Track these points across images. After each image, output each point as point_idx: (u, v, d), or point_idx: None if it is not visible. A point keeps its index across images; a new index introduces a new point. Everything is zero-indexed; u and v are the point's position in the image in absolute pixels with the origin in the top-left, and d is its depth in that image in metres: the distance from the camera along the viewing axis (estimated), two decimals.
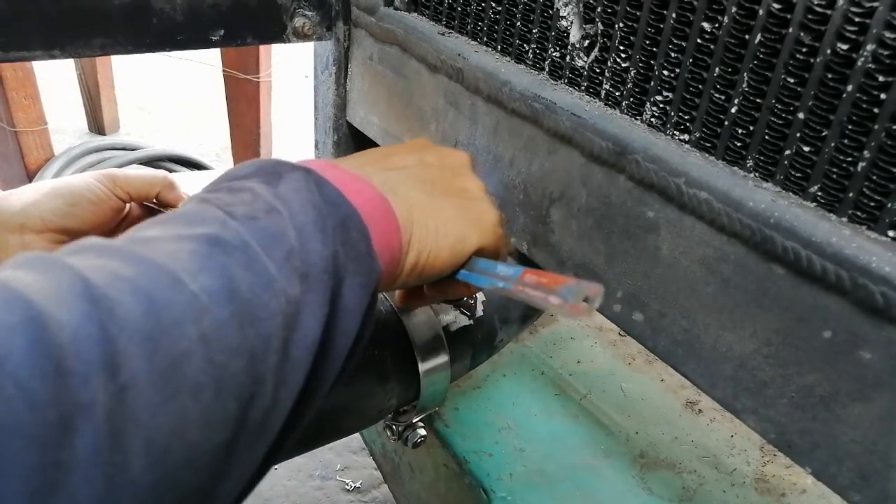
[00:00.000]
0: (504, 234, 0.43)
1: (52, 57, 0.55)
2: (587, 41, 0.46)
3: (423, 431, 0.55)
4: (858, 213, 0.34)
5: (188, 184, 0.64)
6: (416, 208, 0.38)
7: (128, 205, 0.58)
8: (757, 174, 0.38)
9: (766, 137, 0.37)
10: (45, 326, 0.21)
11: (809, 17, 0.33)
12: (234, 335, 0.26)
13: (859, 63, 0.32)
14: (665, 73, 0.41)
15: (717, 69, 0.38)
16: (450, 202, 0.40)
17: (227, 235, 0.28)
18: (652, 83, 0.42)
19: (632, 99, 0.44)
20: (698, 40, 0.39)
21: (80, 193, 0.54)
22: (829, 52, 0.33)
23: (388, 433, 0.56)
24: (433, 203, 0.39)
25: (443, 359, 0.50)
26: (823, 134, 0.34)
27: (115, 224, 0.59)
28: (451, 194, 0.41)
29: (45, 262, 0.24)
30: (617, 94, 0.45)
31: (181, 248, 0.27)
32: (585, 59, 0.47)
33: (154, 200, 0.59)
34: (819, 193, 0.35)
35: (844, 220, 0.34)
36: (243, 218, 0.29)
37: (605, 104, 0.46)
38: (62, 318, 0.21)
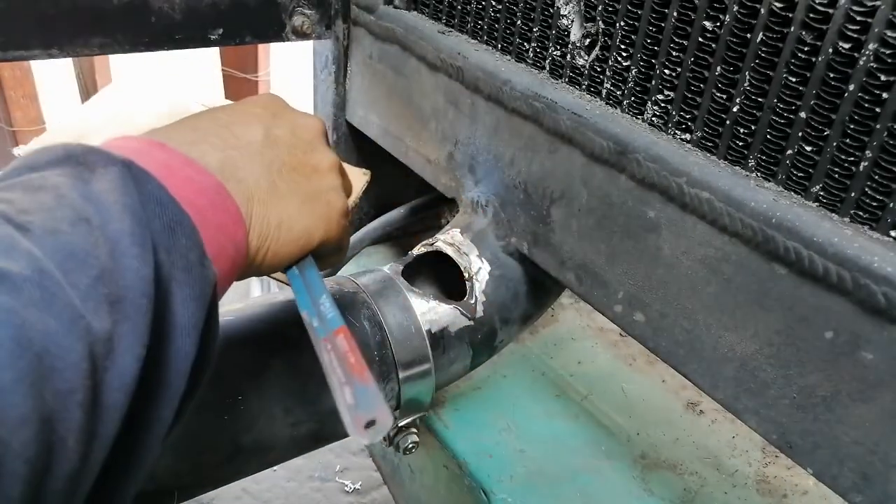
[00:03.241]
0: (347, 225, 0.40)
1: (51, 56, 0.55)
2: (588, 40, 0.46)
3: (415, 437, 0.55)
4: (860, 213, 0.34)
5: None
6: (257, 199, 0.34)
7: None
8: (759, 174, 0.38)
9: (768, 137, 0.37)
10: None
11: (811, 15, 0.33)
12: (22, 402, 0.21)
13: (861, 62, 0.32)
14: (666, 72, 0.41)
15: (718, 68, 0.38)
16: (296, 192, 0.36)
17: (15, 267, 0.23)
18: (653, 82, 0.42)
19: (633, 98, 0.44)
20: (700, 39, 0.39)
21: None
22: (830, 51, 0.33)
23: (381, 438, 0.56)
24: (277, 193, 0.35)
25: (422, 367, 0.50)
26: (825, 133, 0.34)
27: None
28: (298, 181, 0.37)
29: None
30: (618, 93, 0.45)
31: None
32: (586, 57, 0.47)
33: None
34: (821, 193, 0.35)
35: (846, 220, 0.34)
36: (41, 233, 0.24)
37: (606, 103, 0.46)
38: None
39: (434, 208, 0.78)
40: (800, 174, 0.36)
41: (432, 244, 0.55)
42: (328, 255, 0.42)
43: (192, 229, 0.29)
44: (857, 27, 0.32)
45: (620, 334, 0.75)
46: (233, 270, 0.33)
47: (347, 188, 0.43)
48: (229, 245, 0.32)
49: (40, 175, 0.27)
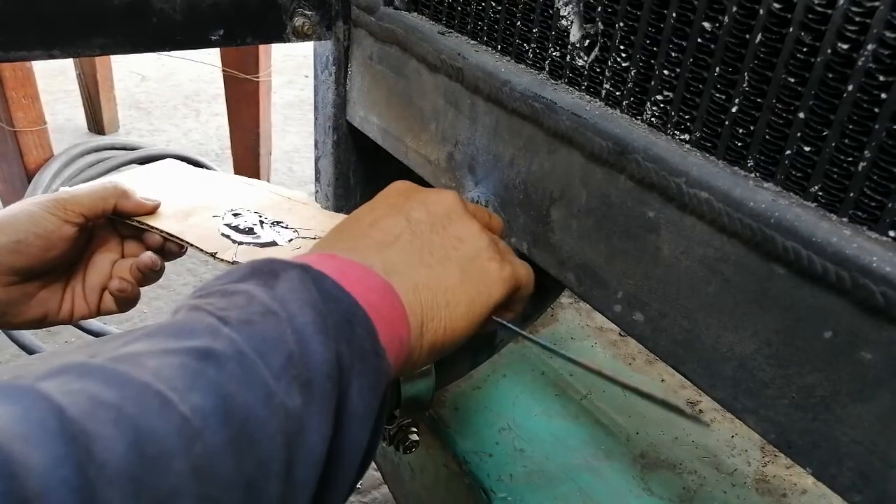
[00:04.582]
0: (511, 275, 0.41)
1: (52, 56, 0.55)
2: (587, 41, 0.46)
3: (415, 437, 0.55)
4: (859, 213, 0.34)
5: (140, 181, 0.62)
6: (422, 287, 0.37)
7: (90, 223, 0.54)
8: (757, 174, 0.38)
9: (767, 137, 0.37)
10: (14, 475, 0.18)
11: (810, 16, 0.33)
12: (230, 464, 0.23)
13: (860, 63, 0.32)
14: (665, 72, 0.41)
15: (717, 69, 0.38)
16: (451, 267, 0.39)
17: (219, 346, 0.26)
18: (652, 83, 0.42)
19: (632, 98, 0.44)
20: (699, 40, 0.39)
21: (25, 229, 0.49)
22: (829, 51, 0.33)
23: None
24: (435, 274, 0.38)
25: (423, 366, 0.50)
26: (824, 134, 0.34)
27: (76, 250, 0.54)
28: (449, 256, 0.39)
29: (16, 391, 0.21)
30: (617, 93, 0.45)
31: (169, 363, 0.24)
32: (586, 58, 0.47)
33: (112, 214, 0.56)
34: (820, 193, 0.35)
35: (845, 220, 0.34)
36: (237, 323, 0.27)
37: (606, 104, 0.46)
38: (33, 463, 0.19)
39: None
40: (798, 174, 0.36)
41: None
42: (513, 308, 0.44)
43: (367, 320, 0.32)
44: (856, 28, 0.32)
45: (620, 334, 0.75)
46: (396, 365, 0.34)
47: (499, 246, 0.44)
48: (396, 339, 0.34)
49: (233, 285, 0.31)
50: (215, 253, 0.55)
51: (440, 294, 0.37)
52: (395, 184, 0.44)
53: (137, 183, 0.61)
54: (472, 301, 0.39)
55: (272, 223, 0.62)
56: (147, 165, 0.69)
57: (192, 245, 0.56)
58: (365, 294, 0.33)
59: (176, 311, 0.30)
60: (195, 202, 0.62)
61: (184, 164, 0.73)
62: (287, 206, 0.66)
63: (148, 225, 0.56)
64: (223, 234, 0.58)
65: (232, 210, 0.62)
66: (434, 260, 0.38)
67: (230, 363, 0.25)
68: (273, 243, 0.59)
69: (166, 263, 0.60)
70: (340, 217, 0.66)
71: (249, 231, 0.60)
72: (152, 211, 0.58)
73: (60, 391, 0.22)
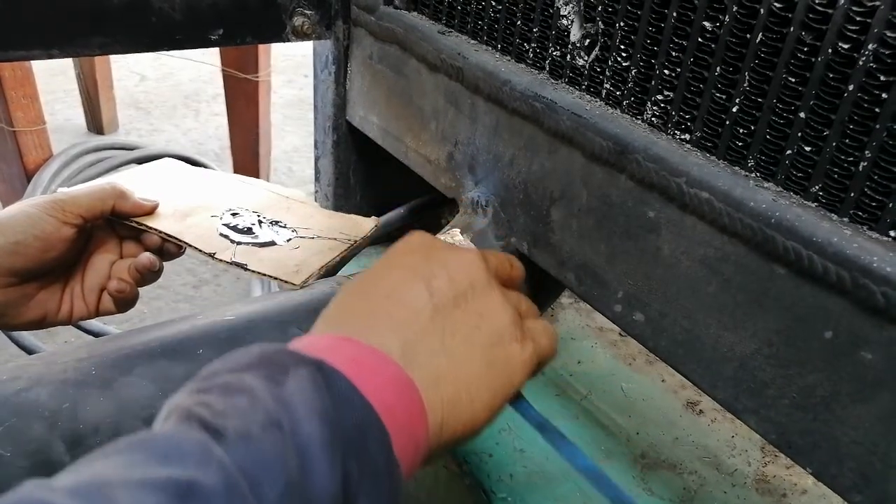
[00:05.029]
0: (531, 354, 0.38)
1: (51, 56, 0.55)
2: (588, 40, 0.46)
3: None
4: (860, 213, 0.34)
5: (138, 181, 0.62)
6: (443, 379, 0.33)
7: (89, 224, 0.54)
8: (758, 174, 0.38)
9: (768, 137, 0.37)
10: None
11: (811, 16, 0.33)
12: None
13: (861, 62, 0.32)
14: (666, 72, 0.41)
15: (718, 68, 0.38)
16: (474, 352, 0.35)
17: (205, 479, 0.23)
18: (653, 82, 0.42)
19: (633, 98, 0.44)
20: (699, 39, 0.39)
21: (23, 230, 0.49)
22: (830, 51, 0.33)
23: None
24: (458, 363, 0.34)
25: None
26: (825, 134, 0.34)
27: (74, 251, 0.54)
28: (472, 339, 0.35)
29: None
30: (618, 93, 0.45)
31: (143, 501, 0.21)
32: (586, 58, 0.47)
33: (111, 215, 0.55)
34: (820, 193, 0.35)
35: (846, 220, 0.34)
36: (234, 437, 0.25)
37: (606, 103, 0.46)
38: None
39: (434, 208, 0.78)
40: (799, 174, 0.36)
41: None
42: (532, 376, 0.40)
43: (381, 428, 0.29)
44: (857, 27, 0.32)
45: (620, 334, 0.75)
46: (409, 471, 0.32)
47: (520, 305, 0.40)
48: (412, 444, 0.31)
49: (238, 377, 0.28)
50: (214, 253, 0.55)
51: (462, 385, 0.34)
52: (413, 238, 0.40)
53: (135, 182, 0.61)
54: (494, 390, 0.35)
55: (271, 223, 0.62)
56: (145, 165, 0.69)
57: (190, 245, 0.56)
58: (380, 391, 0.30)
59: (169, 412, 0.27)
60: (193, 202, 0.62)
61: (181, 162, 0.73)
62: (285, 206, 0.66)
63: (146, 225, 0.56)
64: (222, 234, 0.58)
65: (230, 210, 0.62)
66: (456, 344, 0.35)
67: (215, 501, 0.22)
68: (272, 243, 0.59)
69: (165, 264, 0.60)
70: (338, 216, 0.66)
71: (248, 231, 0.60)
72: (150, 211, 0.58)
73: None
